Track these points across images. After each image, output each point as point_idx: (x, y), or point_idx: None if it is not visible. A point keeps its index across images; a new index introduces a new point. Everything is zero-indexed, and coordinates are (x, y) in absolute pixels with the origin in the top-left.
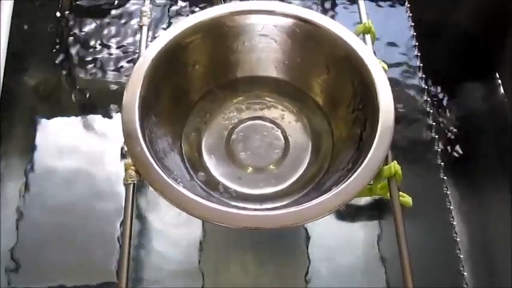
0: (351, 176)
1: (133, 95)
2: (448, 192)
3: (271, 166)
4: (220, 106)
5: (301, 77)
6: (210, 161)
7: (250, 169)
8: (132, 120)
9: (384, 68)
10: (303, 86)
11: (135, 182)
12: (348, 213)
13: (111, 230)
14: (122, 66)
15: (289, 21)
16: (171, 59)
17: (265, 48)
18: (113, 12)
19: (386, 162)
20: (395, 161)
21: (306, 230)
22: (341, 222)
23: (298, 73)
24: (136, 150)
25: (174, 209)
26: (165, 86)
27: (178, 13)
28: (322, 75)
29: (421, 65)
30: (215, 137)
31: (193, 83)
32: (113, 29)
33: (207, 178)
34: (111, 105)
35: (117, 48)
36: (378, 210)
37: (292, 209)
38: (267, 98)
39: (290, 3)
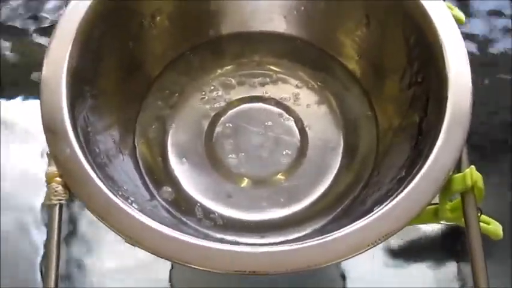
0: (403, 190)
1: (57, 65)
2: None
3: (278, 176)
4: (195, 81)
5: (325, 32)
6: (181, 169)
7: (245, 181)
8: (56, 106)
9: (457, 18)
10: (328, 46)
11: (62, 201)
12: (403, 247)
13: (33, 275)
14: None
15: None
16: (117, 7)
17: None
18: None
19: (459, 168)
20: (473, 167)
21: (341, 274)
22: (392, 260)
23: (320, 26)
24: (63, 153)
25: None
26: (107, 51)
27: None
28: (359, 30)
29: None
30: (189, 131)
31: (153, 45)
32: None
33: (176, 196)
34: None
35: None
36: (449, 243)
37: (313, 241)
38: (272, 67)
39: None
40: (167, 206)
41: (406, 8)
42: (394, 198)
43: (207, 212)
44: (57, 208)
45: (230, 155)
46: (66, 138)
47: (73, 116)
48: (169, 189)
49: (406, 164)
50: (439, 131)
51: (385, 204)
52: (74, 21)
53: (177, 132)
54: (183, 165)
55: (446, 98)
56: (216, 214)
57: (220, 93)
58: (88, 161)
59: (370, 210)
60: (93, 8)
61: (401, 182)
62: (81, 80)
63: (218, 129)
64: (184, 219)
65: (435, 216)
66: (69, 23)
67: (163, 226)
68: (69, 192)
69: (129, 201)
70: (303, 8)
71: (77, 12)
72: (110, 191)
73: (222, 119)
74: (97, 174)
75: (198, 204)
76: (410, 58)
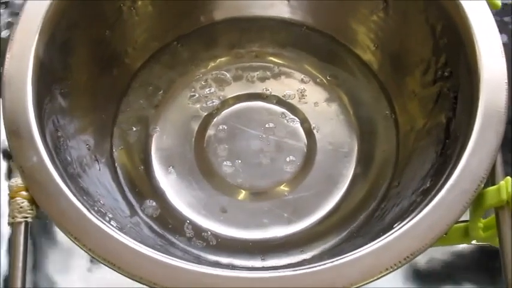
0: (428, 204)
1: (22, 57)
2: None
3: (281, 187)
4: (184, 75)
5: (335, 17)
6: (167, 180)
7: (242, 193)
8: (20, 107)
9: (492, 3)
10: (339, 34)
11: (29, 219)
12: (432, 267)
13: None
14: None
15: None
16: None
17: None
18: None
19: (493, 179)
20: (509, 178)
21: None
22: (418, 283)
23: (329, 11)
24: (29, 162)
25: None
26: (80, 42)
27: None
28: (376, 15)
29: None
30: (176, 135)
31: (134, 35)
32: None
33: (162, 211)
34: None
35: None
36: (486, 263)
37: (321, 265)
38: (273, 59)
39: None
40: (151, 223)
41: None
42: (417, 214)
43: (198, 230)
44: (22, 227)
45: (225, 163)
46: (33, 144)
47: (40, 119)
48: (154, 204)
49: (431, 173)
50: (470, 135)
51: (406, 220)
52: (39, 9)
53: (162, 136)
54: (170, 175)
55: (477, 97)
56: (209, 233)
57: (213, 89)
58: (58, 171)
59: (389, 227)
60: None
61: (426, 194)
62: (50, 76)
63: (210, 132)
64: (171, 238)
65: (465, 236)
66: (35, 11)
67: (147, 248)
68: (37, 209)
69: (107, 218)
70: None
71: None
72: (84, 206)
73: (215, 120)
74: (69, 187)
75: (188, 221)
76: (436, 49)
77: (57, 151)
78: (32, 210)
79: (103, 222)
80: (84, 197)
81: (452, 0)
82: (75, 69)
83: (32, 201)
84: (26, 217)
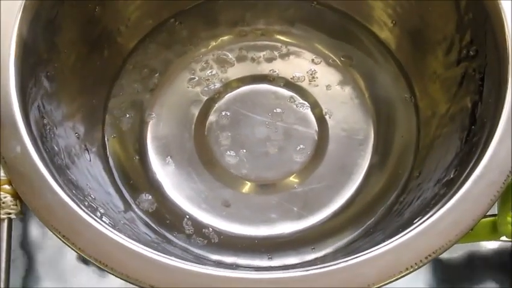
0: (452, 197)
1: (4, 38)
2: None
3: (291, 178)
4: (182, 56)
5: None
6: (164, 171)
7: (247, 185)
8: (2, 90)
9: None
10: (353, 9)
11: (13, 216)
12: (456, 263)
13: None
14: None
15: None
16: None
17: None
18: None
19: None
20: None
21: None
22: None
23: None
24: (12, 153)
25: None
26: (67, 19)
27: None
28: None
29: None
30: (174, 121)
31: (126, 11)
32: None
33: (158, 206)
34: None
35: None
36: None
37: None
38: (281, 37)
39: None
40: (147, 219)
41: None
42: (440, 208)
43: (199, 227)
44: (5, 224)
45: (228, 152)
46: (16, 132)
47: (24, 104)
48: (150, 197)
49: (455, 163)
50: (498, 121)
51: (428, 215)
52: None
53: (158, 123)
54: (168, 166)
55: (506, 78)
56: (210, 229)
57: (214, 71)
58: (44, 163)
59: (409, 223)
60: None
61: (450, 186)
62: (34, 58)
63: (212, 118)
64: (169, 236)
65: (493, 231)
66: None
67: (143, 247)
68: (21, 204)
69: (98, 213)
70: None
71: None
72: (73, 201)
73: (217, 105)
74: (56, 180)
75: (187, 216)
76: (461, 25)
77: (43, 140)
78: (15, 205)
79: (94, 219)
80: (73, 191)
81: None
82: (62, 50)
83: (16, 195)
84: (9, 213)
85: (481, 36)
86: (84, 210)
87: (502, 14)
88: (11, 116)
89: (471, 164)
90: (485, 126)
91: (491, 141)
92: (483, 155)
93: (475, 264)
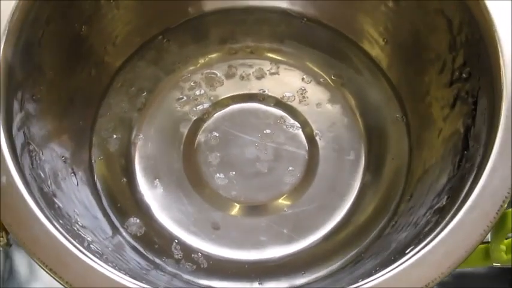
0: (445, 227)
1: None
2: None
3: (281, 200)
4: (171, 74)
5: (339, 8)
6: (152, 194)
7: (237, 208)
8: None
9: None
10: (344, 26)
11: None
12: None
13: None
14: None
15: None
16: None
17: None
18: None
19: None
20: None
21: None
22: None
23: (333, 2)
24: None
25: None
26: (53, 40)
27: None
28: (385, 6)
29: None
30: (162, 142)
31: (114, 29)
32: None
33: (147, 229)
34: None
35: None
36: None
37: None
38: (271, 55)
39: None
40: (135, 244)
41: None
42: (432, 239)
43: (188, 251)
44: None
45: (217, 174)
46: (2, 162)
47: (10, 131)
48: (138, 221)
49: (448, 189)
50: (491, 148)
51: (421, 246)
52: (5, 7)
53: (146, 144)
54: (156, 189)
55: (500, 105)
56: (200, 254)
57: (203, 90)
58: (31, 193)
59: (401, 251)
60: None
61: (442, 214)
62: (19, 81)
63: (201, 138)
64: (158, 261)
65: (486, 258)
66: (2, 5)
67: (131, 280)
68: (7, 235)
69: (86, 242)
70: None
71: None
72: (60, 232)
73: (206, 125)
74: (43, 211)
75: (176, 240)
76: (453, 46)
77: (29, 167)
78: (2, 237)
79: (81, 251)
80: (60, 221)
81: None
82: (47, 72)
83: (2, 227)
84: None
85: (474, 58)
86: (71, 242)
87: (496, 37)
88: None
89: (464, 193)
90: (477, 152)
91: (484, 169)
92: (476, 184)
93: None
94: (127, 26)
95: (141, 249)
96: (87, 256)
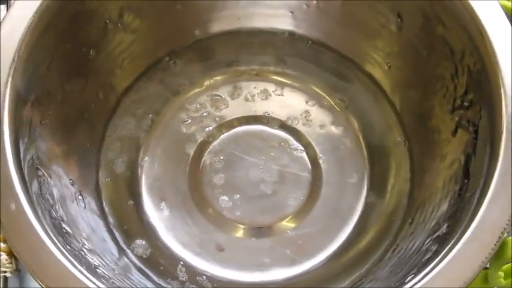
0: (445, 257)
1: None
2: None
3: (284, 222)
4: (177, 95)
5: (344, 31)
6: (158, 216)
7: (241, 229)
8: None
9: None
10: (348, 50)
11: (8, 274)
12: None
13: None
14: None
15: None
16: (74, 11)
17: None
18: None
19: None
20: None
21: None
22: None
23: (337, 24)
24: (7, 210)
25: None
26: (62, 64)
27: None
28: (388, 31)
29: None
30: (168, 164)
31: (121, 52)
32: None
33: (153, 251)
34: None
35: None
36: None
37: None
38: (275, 78)
39: None
40: (141, 266)
41: (451, 9)
42: (432, 269)
43: (193, 274)
44: (0, 282)
45: (222, 196)
46: (11, 189)
47: (18, 158)
48: (144, 243)
49: (448, 215)
50: (491, 178)
51: (421, 275)
52: (14, 34)
53: (153, 165)
54: (162, 211)
55: (500, 136)
56: (204, 277)
57: (208, 112)
58: (39, 220)
59: (401, 278)
60: (40, 13)
61: (442, 243)
62: (28, 107)
63: (206, 160)
64: (163, 284)
65: (484, 282)
66: (9, 36)
67: None
68: (16, 261)
69: (93, 266)
70: (314, 1)
71: (21, 18)
72: (67, 259)
73: (211, 147)
74: (51, 237)
75: (181, 262)
76: (456, 74)
77: (37, 193)
78: (10, 263)
79: (89, 279)
80: (68, 247)
81: (473, 20)
82: (55, 96)
83: (11, 253)
84: (5, 272)
85: (476, 87)
86: (79, 270)
87: (497, 68)
88: (5, 173)
89: (464, 224)
90: (478, 182)
91: (483, 200)
92: (475, 215)
93: None
94: (134, 49)
95: (147, 271)
96: (95, 284)
